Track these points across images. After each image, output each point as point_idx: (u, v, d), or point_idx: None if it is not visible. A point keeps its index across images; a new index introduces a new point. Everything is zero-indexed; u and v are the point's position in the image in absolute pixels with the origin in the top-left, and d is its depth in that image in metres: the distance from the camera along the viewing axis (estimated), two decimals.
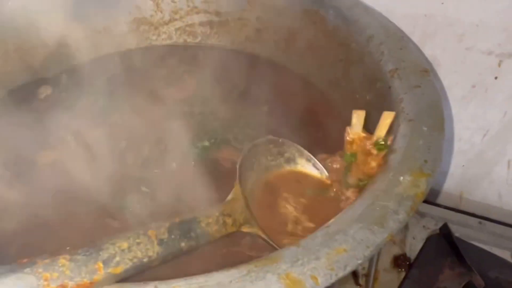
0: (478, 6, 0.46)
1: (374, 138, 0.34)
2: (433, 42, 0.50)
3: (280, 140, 0.39)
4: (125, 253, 0.26)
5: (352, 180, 0.34)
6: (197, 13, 0.52)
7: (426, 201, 0.62)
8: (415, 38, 0.50)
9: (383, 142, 0.33)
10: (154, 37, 0.53)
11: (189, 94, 0.47)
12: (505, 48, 0.48)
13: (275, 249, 0.31)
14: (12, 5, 0.43)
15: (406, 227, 0.52)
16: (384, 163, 0.29)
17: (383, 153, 0.32)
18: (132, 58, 0.52)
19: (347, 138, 0.36)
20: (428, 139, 0.30)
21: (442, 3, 0.47)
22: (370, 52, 0.40)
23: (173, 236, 0.29)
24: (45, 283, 0.23)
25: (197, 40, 0.54)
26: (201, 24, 0.53)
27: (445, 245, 0.49)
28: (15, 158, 0.40)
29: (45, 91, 0.47)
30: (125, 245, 0.26)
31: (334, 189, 0.35)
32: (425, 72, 0.36)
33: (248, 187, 0.37)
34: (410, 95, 0.34)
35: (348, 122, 0.37)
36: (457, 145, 0.58)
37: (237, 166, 0.35)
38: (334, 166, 0.37)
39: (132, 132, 0.43)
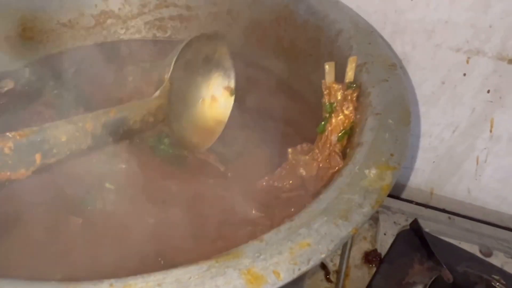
0: (446, 3, 0.47)
1: (346, 81, 0.36)
2: (403, 39, 0.51)
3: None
4: (63, 145, 0.28)
5: (334, 135, 0.36)
6: (167, 6, 0.51)
7: (397, 197, 0.62)
8: (385, 34, 0.50)
9: (354, 84, 0.35)
10: (122, 31, 0.52)
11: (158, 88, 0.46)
12: (472, 45, 0.49)
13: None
14: None
15: (377, 223, 0.52)
16: (349, 157, 0.29)
17: (356, 93, 0.35)
18: (99, 52, 0.50)
19: (324, 91, 0.37)
20: (395, 133, 0.30)
21: (412, 0, 0.48)
22: (339, 46, 0.40)
23: (104, 132, 0.31)
24: None
25: (167, 35, 0.53)
26: (171, 18, 0.52)
27: (415, 240, 0.49)
28: None
29: (7, 85, 0.45)
30: (64, 137, 0.28)
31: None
32: (393, 66, 0.36)
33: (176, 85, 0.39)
34: (377, 89, 0.34)
35: (320, 114, 0.38)
36: (427, 141, 0.58)
37: (172, 62, 0.37)
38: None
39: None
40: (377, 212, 0.54)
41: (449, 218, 0.55)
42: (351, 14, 0.42)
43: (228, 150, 0.42)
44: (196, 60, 0.40)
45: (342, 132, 0.35)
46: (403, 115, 0.31)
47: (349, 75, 0.36)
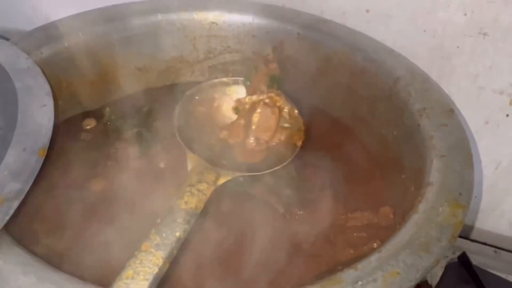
0: (491, 50, 0.50)
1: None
2: (449, 81, 0.54)
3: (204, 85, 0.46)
4: (135, 278, 0.28)
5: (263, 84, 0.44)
6: (230, 52, 0.56)
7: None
8: (432, 77, 0.54)
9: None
10: (188, 74, 0.57)
11: None
12: None
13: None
14: (69, 46, 0.47)
15: None
16: (422, 195, 0.32)
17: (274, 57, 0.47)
18: (168, 93, 0.55)
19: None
20: (461, 174, 0.33)
21: (458, 47, 0.52)
22: (397, 92, 0.44)
23: (164, 235, 0.31)
24: None
25: (227, 78, 0.58)
26: (233, 62, 0.57)
27: (464, 272, 0.51)
28: (69, 183, 0.43)
29: (90, 123, 0.50)
30: (130, 273, 0.28)
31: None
32: (451, 111, 0.40)
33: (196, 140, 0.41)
34: (439, 133, 0.37)
35: (375, 155, 0.45)
36: None
37: (176, 134, 0.40)
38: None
39: (171, 159, 0.46)
40: None
41: (495, 251, 0.57)
42: (406, 62, 0.46)
43: (289, 192, 0.45)
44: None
45: (270, 80, 0.45)
46: (466, 157, 0.35)
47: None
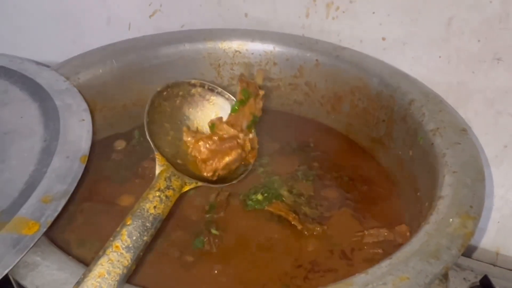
0: (507, 74, 0.52)
1: (259, 83, 0.50)
2: (466, 107, 0.55)
3: (171, 83, 0.48)
4: (107, 278, 0.30)
5: (245, 121, 0.48)
6: (252, 79, 0.59)
7: (465, 255, 0.64)
8: (449, 102, 0.56)
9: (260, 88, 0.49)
10: None
11: None
12: None
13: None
14: (103, 72, 0.51)
15: (447, 279, 0.55)
16: (433, 208, 0.34)
17: (261, 94, 0.48)
18: None
19: (243, 83, 0.48)
20: (472, 188, 0.34)
21: (473, 72, 0.53)
22: (412, 113, 0.45)
23: (134, 238, 0.33)
24: None
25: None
26: None
27: None
28: (100, 198, 0.46)
29: (120, 144, 0.54)
30: (103, 272, 0.30)
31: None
32: (464, 131, 0.41)
33: (168, 141, 0.45)
34: (451, 151, 0.39)
35: (392, 174, 0.47)
36: (491, 202, 0.61)
37: (148, 137, 0.43)
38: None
39: None
40: None
41: None
42: (420, 86, 0.48)
43: (307, 210, 0.46)
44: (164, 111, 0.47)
45: (251, 121, 0.48)
46: (478, 173, 0.36)
47: (258, 80, 0.51)
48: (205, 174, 0.45)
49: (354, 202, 0.47)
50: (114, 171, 0.50)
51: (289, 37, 0.57)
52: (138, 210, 0.35)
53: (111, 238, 0.33)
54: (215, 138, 0.46)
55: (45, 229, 0.29)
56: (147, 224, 0.35)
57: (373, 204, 0.47)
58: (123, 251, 0.32)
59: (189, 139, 0.46)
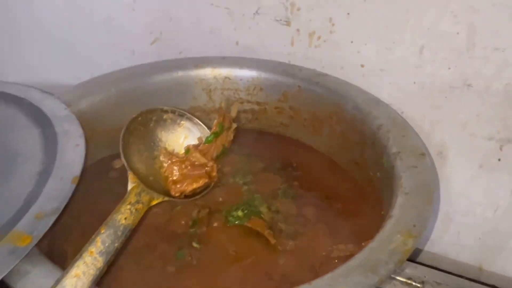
0: (476, 100, 0.55)
1: (233, 116, 0.59)
2: (442, 129, 0.58)
3: (145, 110, 0.54)
4: (82, 278, 0.35)
5: (216, 151, 0.55)
6: (241, 102, 0.64)
7: (447, 272, 0.66)
8: (425, 125, 0.59)
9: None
10: (206, 121, 0.65)
11: (233, 168, 0.58)
12: (504, 134, 0.56)
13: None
14: (102, 99, 0.57)
15: None
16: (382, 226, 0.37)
17: (233, 127, 0.57)
18: None
19: (221, 116, 0.57)
20: (419, 209, 0.38)
21: (446, 97, 0.56)
22: (379, 137, 0.49)
23: (107, 244, 0.39)
24: None
25: (241, 123, 0.65)
26: (245, 111, 0.64)
27: None
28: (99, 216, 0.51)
29: (118, 163, 0.59)
30: (79, 273, 0.35)
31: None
32: (423, 155, 0.44)
33: (142, 160, 0.50)
34: (408, 173, 0.42)
35: (366, 194, 0.51)
36: (471, 219, 0.63)
37: (122, 158, 0.48)
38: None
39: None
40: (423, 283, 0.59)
41: None
42: (390, 112, 0.52)
43: (283, 226, 0.50)
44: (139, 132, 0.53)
45: (221, 151, 0.56)
46: (427, 195, 0.39)
47: (233, 113, 0.60)
48: (173, 193, 0.51)
49: (327, 219, 0.51)
50: (111, 188, 0.55)
51: (275, 64, 0.62)
52: (111, 221, 0.41)
53: (87, 244, 0.38)
54: (188, 163, 0.51)
55: (36, 241, 0.34)
56: (118, 233, 0.40)
57: (345, 221, 0.51)
58: (97, 255, 0.38)
59: (165, 159, 0.51)
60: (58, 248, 0.46)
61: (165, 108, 0.56)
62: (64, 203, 0.38)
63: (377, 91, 0.58)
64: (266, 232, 0.48)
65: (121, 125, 0.60)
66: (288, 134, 0.63)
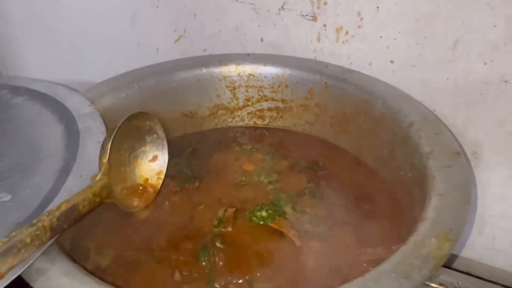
0: None
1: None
2: (476, 127, 0.56)
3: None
4: (28, 245, 0.33)
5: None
6: (266, 100, 0.62)
7: (481, 278, 0.63)
8: (458, 123, 0.56)
9: None
10: (229, 120, 0.64)
11: (257, 167, 0.56)
12: None
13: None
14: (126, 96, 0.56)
15: None
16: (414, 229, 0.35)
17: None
18: (211, 136, 0.62)
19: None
20: (455, 211, 0.36)
21: (481, 94, 0.54)
22: (411, 136, 0.47)
23: (60, 223, 0.36)
24: None
25: (265, 122, 0.64)
26: (269, 109, 0.63)
27: None
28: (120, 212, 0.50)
29: None
30: (28, 239, 0.33)
31: None
32: (457, 154, 0.42)
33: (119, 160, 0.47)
34: (442, 173, 0.40)
35: (396, 195, 0.48)
36: (508, 223, 0.60)
37: (108, 146, 0.44)
38: None
39: (209, 196, 0.52)
40: None
41: None
42: (421, 108, 0.50)
43: (309, 227, 0.49)
44: (130, 132, 0.50)
45: None
46: (464, 196, 0.37)
47: None
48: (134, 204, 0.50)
49: (355, 220, 0.49)
50: None
51: (300, 61, 0.60)
52: (74, 203, 0.38)
53: (46, 212, 0.36)
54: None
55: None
56: (72, 217, 0.38)
57: (374, 223, 0.48)
58: (48, 230, 0.35)
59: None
60: (81, 244, 0.46)
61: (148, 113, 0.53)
62: None
63: (407, 88, 0.56)
64: (291, 233, 0.46)
65: None
66: (313, 133, 0.62)
